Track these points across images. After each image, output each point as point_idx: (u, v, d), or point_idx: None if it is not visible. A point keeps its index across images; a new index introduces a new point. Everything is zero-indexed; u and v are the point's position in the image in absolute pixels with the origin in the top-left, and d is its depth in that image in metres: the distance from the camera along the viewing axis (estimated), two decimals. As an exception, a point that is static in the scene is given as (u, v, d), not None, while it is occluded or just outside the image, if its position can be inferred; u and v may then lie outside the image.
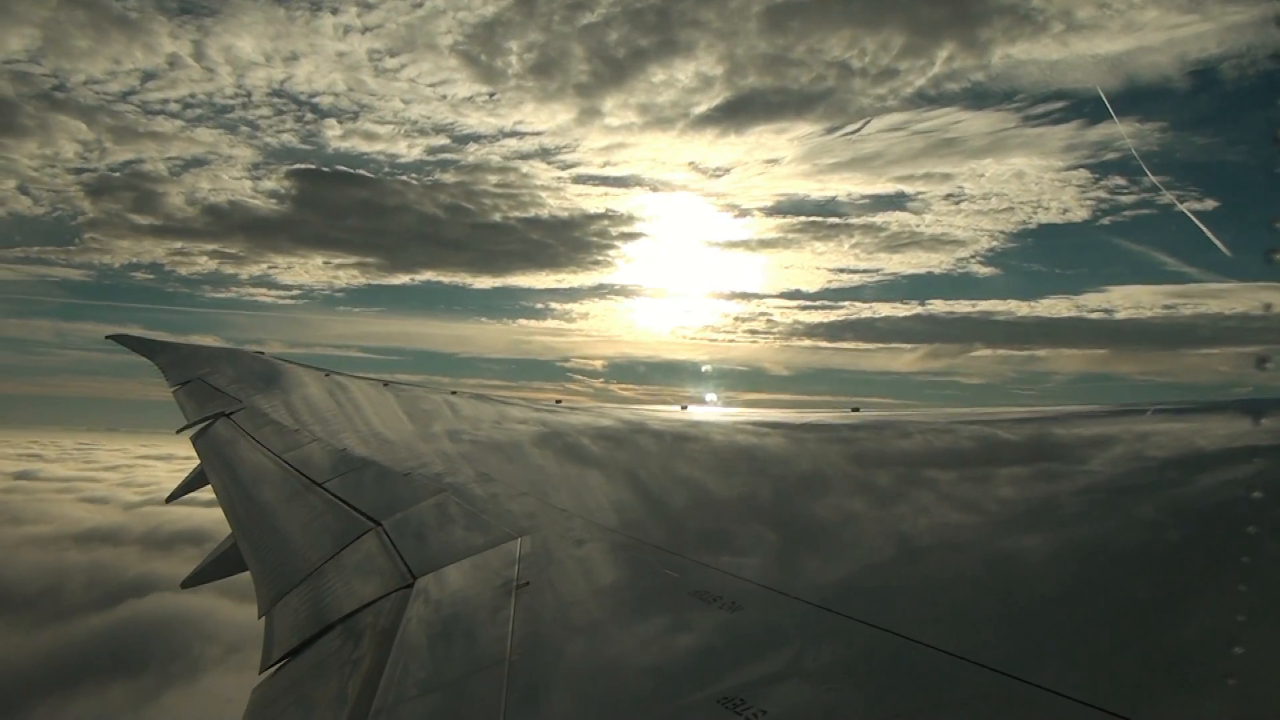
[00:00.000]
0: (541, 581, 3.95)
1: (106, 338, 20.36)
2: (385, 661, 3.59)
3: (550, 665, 3.10)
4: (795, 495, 4.74)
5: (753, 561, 3.63)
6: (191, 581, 9.01)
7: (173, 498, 12.57)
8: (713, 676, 2.61)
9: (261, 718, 4.09)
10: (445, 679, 3.37)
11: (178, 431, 12.67)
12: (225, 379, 14.66)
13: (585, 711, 2.68)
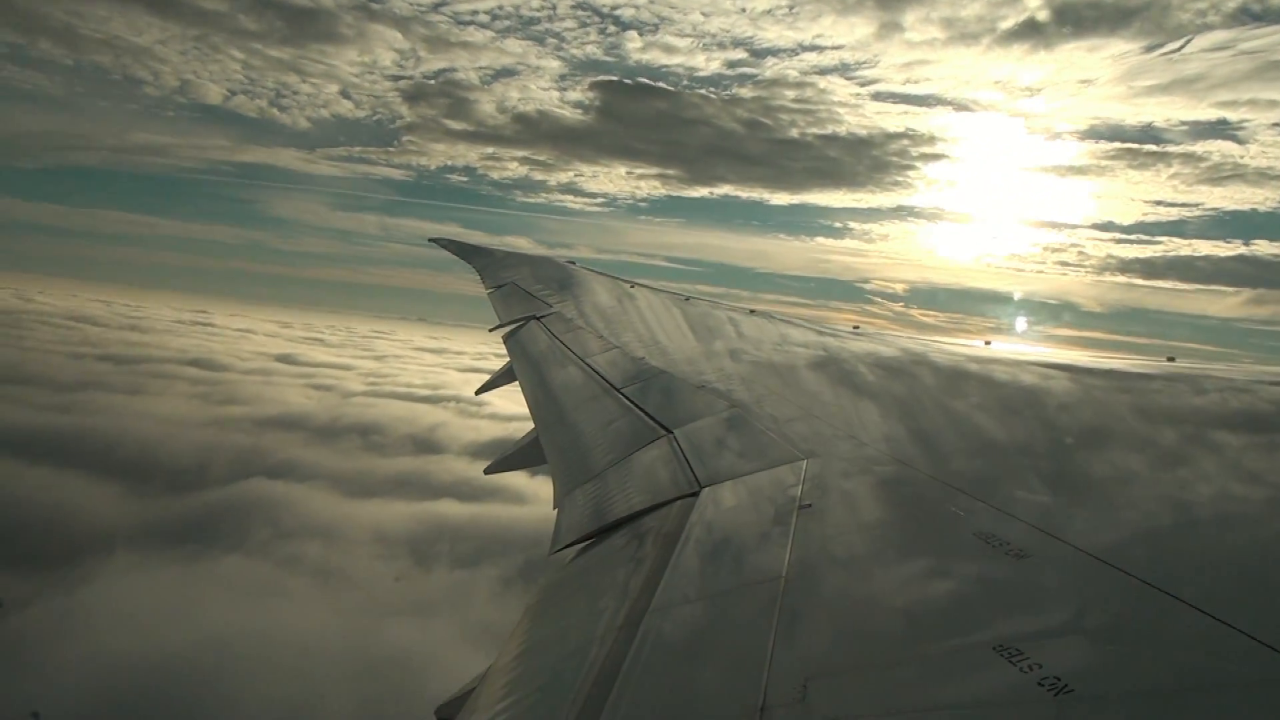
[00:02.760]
0: (824, 505, 3.97)
1: (429, 240, 21.86)
2: (666, 563, 3.75)
3: (826, 589, 3.14)
4: (1096, 445, 4.47)
5: (1044, 510, 3.48)
6: (493, 469, 9.74)
7: (481, 390, 13.54)
8: (990, 622, 2.55)
9: (549, 599, 4.41)
10: (721, 588, 3.48)
11: (490, 330, 13.56)
12: (537, 284, 15.46)
13: (857, 636, 2.70)
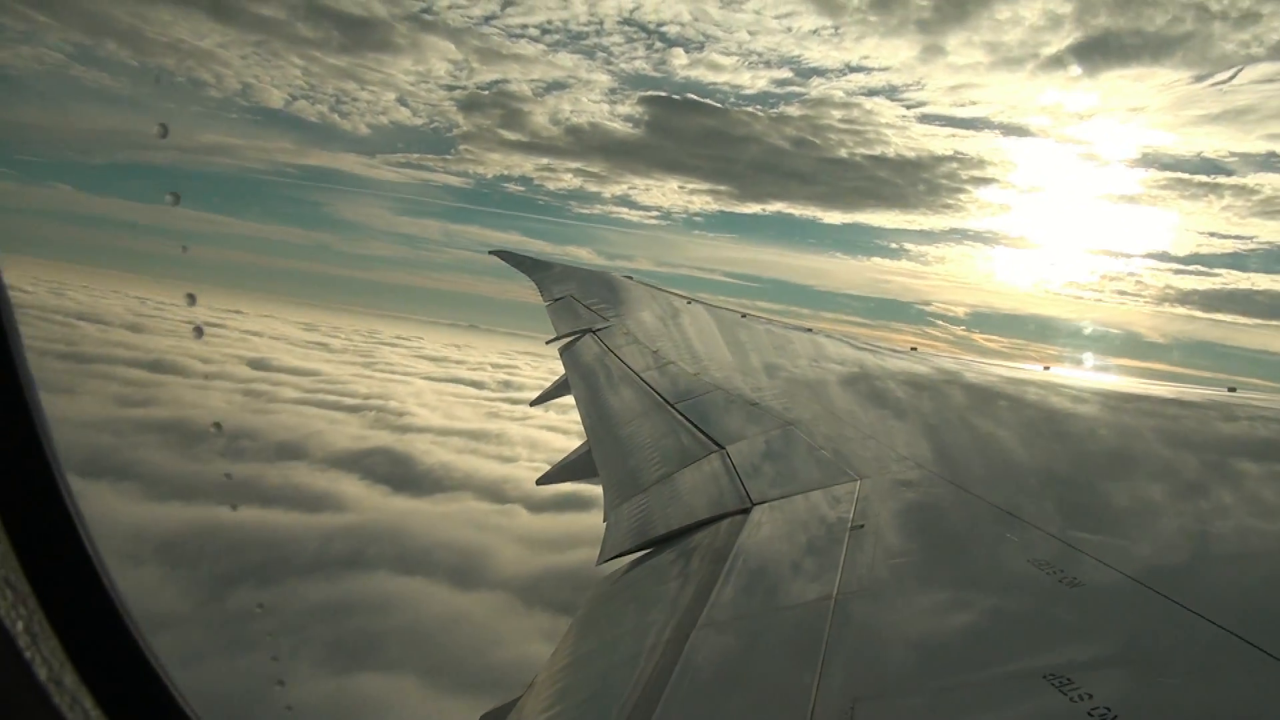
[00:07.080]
0: (876, 526, 3.94)
1: (490, 252, 22.08)
2: (716, 578, 3.74)
3: (876, 610, 3.11)
4: (1154, 473, 4.38)
5: (1098, 537, 3.42)
6: (544, 480, 9.77)
7: (536, 403, 13.63)
8: (1040, 650, 2.52)
9: (598, 610, 4.42)
10: (770, 606, 3.46)
11: (547, 343, 13.65)
12: (594, 298, 15.53)
13: (907, 660, 2.67)
